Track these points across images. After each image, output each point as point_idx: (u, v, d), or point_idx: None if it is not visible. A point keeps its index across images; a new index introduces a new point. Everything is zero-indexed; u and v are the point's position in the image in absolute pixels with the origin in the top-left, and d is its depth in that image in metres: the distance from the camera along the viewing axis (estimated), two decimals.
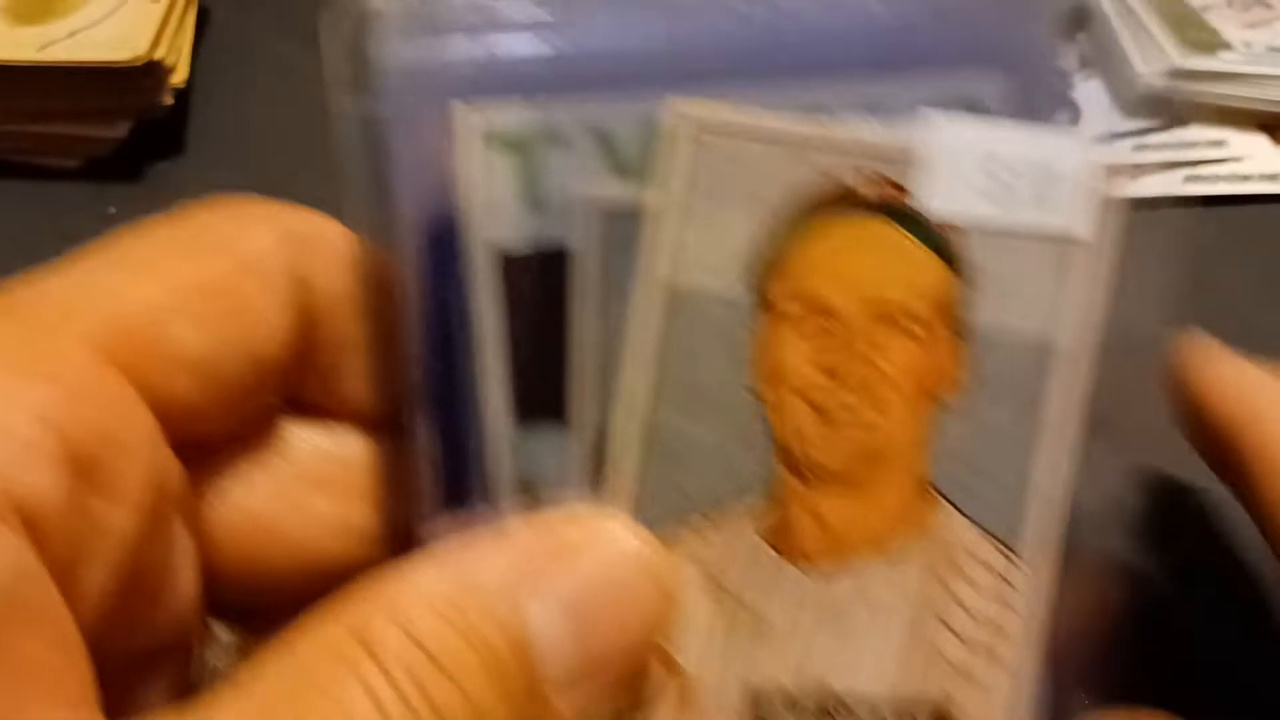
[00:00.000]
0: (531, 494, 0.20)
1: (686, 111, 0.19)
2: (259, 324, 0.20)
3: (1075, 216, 0.20)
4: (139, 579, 0.19)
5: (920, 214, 0.20)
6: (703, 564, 0.20)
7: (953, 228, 0.20)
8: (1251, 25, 0.53)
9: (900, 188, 0.20)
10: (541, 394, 0.20)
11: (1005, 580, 0.20)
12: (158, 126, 0.45)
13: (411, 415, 0.20)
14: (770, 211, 0.19)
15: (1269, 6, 0.54)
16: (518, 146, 0.20)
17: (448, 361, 0.20)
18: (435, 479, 0.20)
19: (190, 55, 0.46)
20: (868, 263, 0.20)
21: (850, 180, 0.20)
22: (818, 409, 0.20)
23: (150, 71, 0.43)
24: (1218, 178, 0.49)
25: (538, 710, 0.17)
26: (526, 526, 0.18)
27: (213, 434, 0.20)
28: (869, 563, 0.20)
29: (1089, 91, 0.54)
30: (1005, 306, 0.20)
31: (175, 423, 0.19)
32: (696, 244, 0.19)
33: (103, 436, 0.18)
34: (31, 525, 0.16)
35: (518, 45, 0.20)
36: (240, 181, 0.46)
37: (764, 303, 0.20)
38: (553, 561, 0.18)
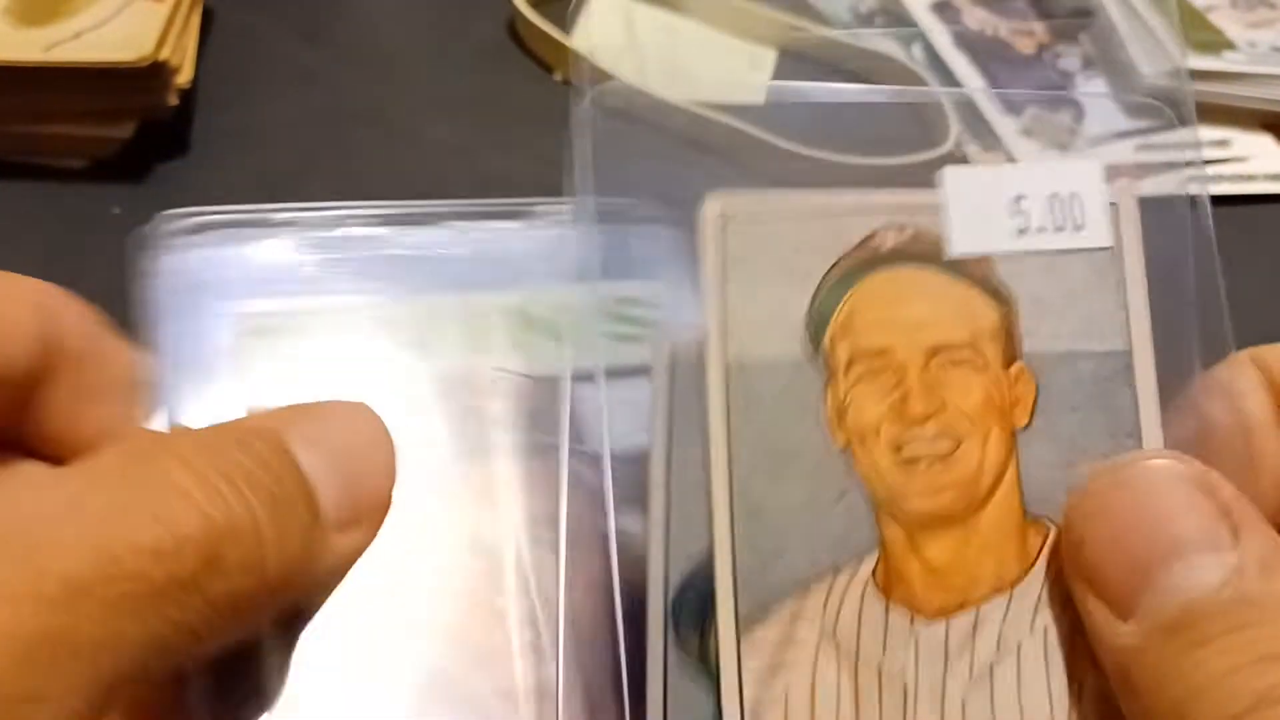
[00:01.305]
0: None
1: (719, 207, 0.21)
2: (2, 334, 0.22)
3: (1097, 230, 0.21)
4: None
5: (955, 256, 0.21)
6: (824, 629, 0.20)
7: (987, 262, 0.21)
8: (1255, 25, 0.53)
9: (932, 235, 0.21)
10: None
11: None
12: (163, 127, 0.45)
13: None
14: (815, 278, 0.21)
15: (1273, 6, 0.54)
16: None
17: None
18: None
19: (195, 56, 0.46)
20: (918, 309, 0.21)
21: (885, 237, 0.21)
22: (902, 455, 0.20)
23: (155, 72, 0.43)
24: (1222, 178, 0.49)
25: (320, 541, 0.19)
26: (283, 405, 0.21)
27: None
28: (989, 602, 0.20)
29: (1092, 90, 0.54)
30: (1054, 325, 0.21)
31: None
32: (753, 319, 0.21)
33: None
34: None
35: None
36: (245, 181, 0.46)
37: (829, 363, 0.21)
38: (311, 416, 0.21)
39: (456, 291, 0.29)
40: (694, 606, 0.20)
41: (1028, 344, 0.21)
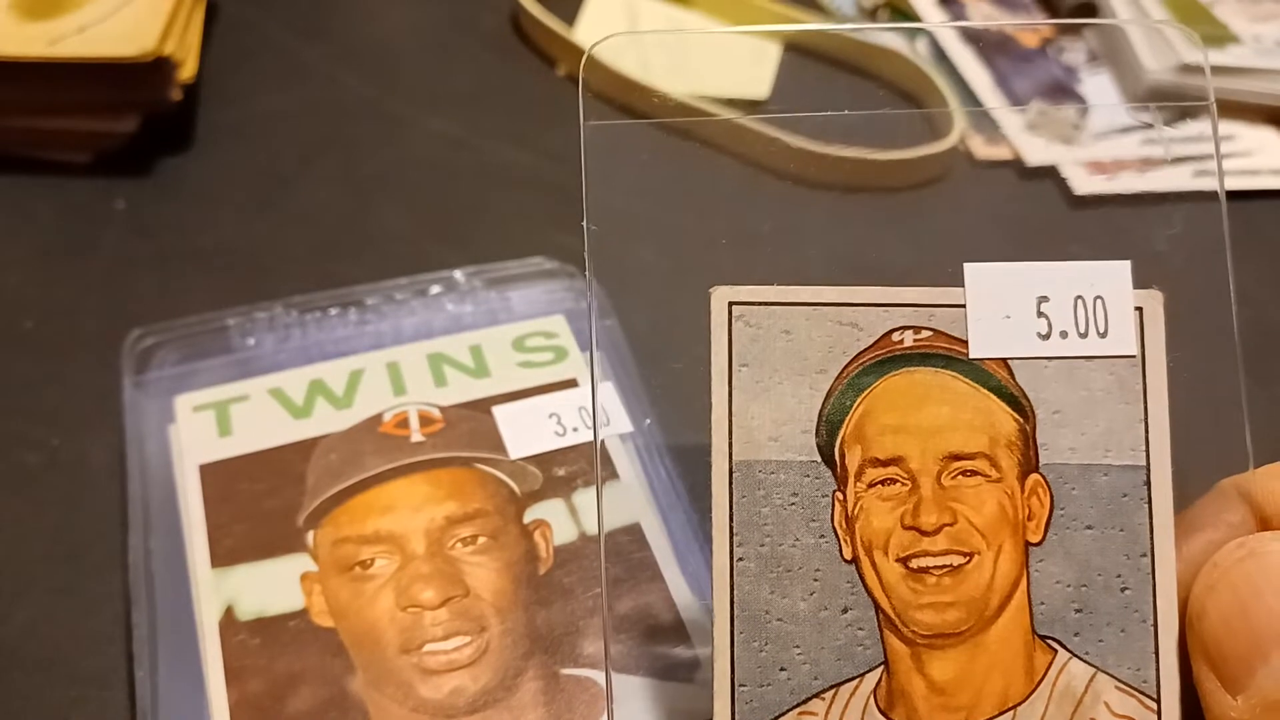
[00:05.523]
0: None
1: (730, 297, 0.20)
2: None
3: (1121, 337, 0.20)
4: None
5: (974, 359, 0.20)
6: None
7: (1007, 367, 0.20)
8: (1260, 19, 0.53)
9: (950, 336, 0.20)
10: None
11: None
12: (167, 121, 0.45)
13: None
14: (829, 377, 0.20)
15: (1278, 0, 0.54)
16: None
17: None
18: None
19: (199, 50, 0.46)
20: (934, 415, 0.20)
21: (903, 336, 0.20)
22: (910, 567, 0.20)
23: (159, 66, 0.43)
24: (1227, 172, 0.49)
25: None
26: None
27: None
28: None
29: (1097, 85, 0.54)
30: (1072, 436, 0.20)
31: None
32: (761, 417, 0.20)
33: None
34: None
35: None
36: (247, 176, 0.46)
37: (841, 468, 0.20)
38: None
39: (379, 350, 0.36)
40: None
41: (1044, 455, 0.20)
